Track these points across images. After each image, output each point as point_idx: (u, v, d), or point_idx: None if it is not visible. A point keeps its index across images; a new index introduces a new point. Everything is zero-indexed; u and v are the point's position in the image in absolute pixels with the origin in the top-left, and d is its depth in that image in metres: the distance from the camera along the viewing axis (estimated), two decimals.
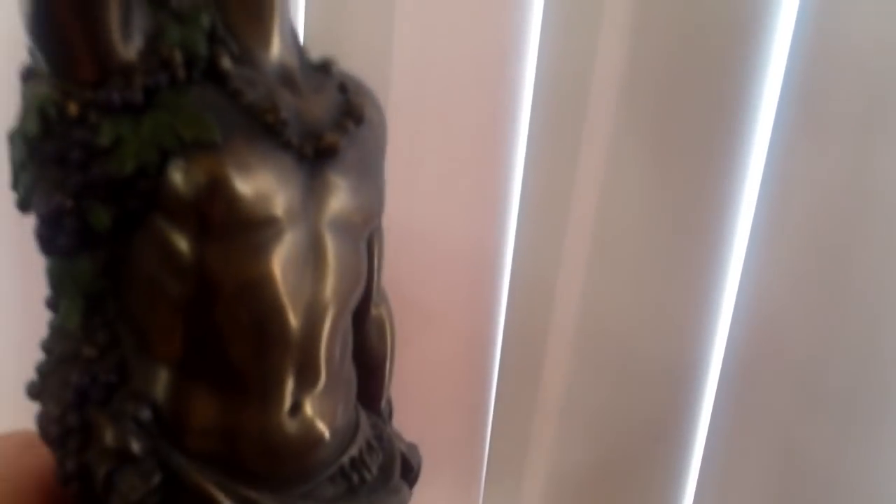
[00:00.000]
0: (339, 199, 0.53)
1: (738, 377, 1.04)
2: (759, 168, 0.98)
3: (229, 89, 0.51)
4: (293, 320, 0.52)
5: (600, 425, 1.09)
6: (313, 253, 0.53)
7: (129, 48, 0.49)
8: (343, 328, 0.58)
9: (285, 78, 0.54)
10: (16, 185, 0.51)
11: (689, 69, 0.95)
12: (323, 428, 0.56)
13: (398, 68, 1.03)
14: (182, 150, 0.49)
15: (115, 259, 0.52)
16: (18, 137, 0.51)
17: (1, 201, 0.52)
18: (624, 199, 1.01)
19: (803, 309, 0.99)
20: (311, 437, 0.55)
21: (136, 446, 0.51)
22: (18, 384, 0.55)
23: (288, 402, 0.53)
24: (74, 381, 0.53)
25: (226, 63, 0.51)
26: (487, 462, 1.18)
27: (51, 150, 0.50)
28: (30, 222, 0.51)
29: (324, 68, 0.58)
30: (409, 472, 0.68)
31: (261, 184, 0.50)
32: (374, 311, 0.66)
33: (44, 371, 0.55)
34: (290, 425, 0.54)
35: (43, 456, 0.53)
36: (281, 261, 0.51)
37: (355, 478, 0.59)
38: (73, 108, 0.49)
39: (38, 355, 0.55)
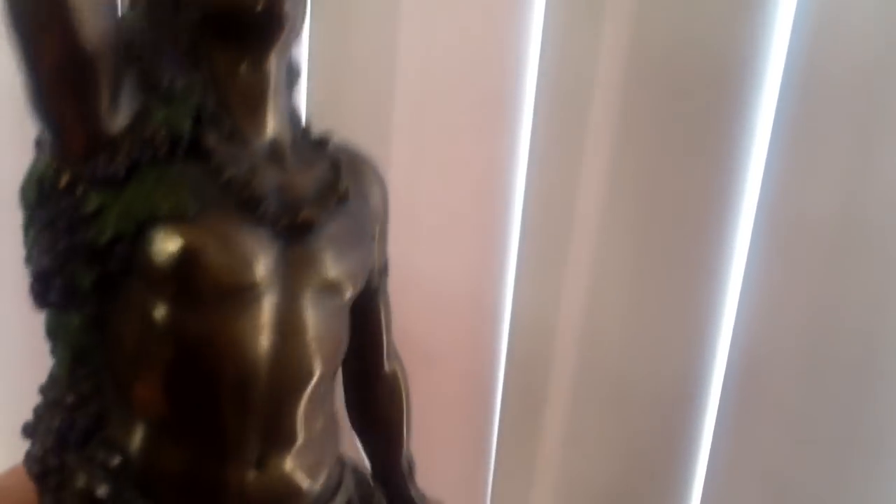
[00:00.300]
0: (319, 268, 0.56)
1: (739, 400, 1.04)
2: (758, 181, 0.98)
3: (211, 166, 0.55)
4: (266, 383, 0.55)
5: (603, 460, 1.09)
6: (291, 319, 0.55)
7: (117, 126, 0.53)
8: (325, 390, 0.60)
9: (274, 154, 0.57)
10: (24, 243, 0.57)
11: (686, 86, 0.96)
12: (300, 481, 0.58)
13: (397, 124, 1.04)
14: (158, 222, 0.52)
15: (101, 317, 0.56)
16: (22, 203, 0.56)
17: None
18: (621, 235, 1.01)
19: (803, 329, 0.98)
20: (287, 491, 0.58)
21: (101, 490, 0.55)
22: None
23: (255, 457, 0.56)
24: (56, 426, 0.56)
25: (210, 141, 0.55)
26: (491, 499, 1.18)
27: (44, 217, 0.54)
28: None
29: (321, 144, 0.62)
30: None
31: (234, 254, 0.54)
32: (386, 369, 0.69)
33: (37, 413, 0.59)
34: (261, 480, 0.56)
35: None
36: (256, 327, 0.54)
37: None
38: (63, 180, 0.53)
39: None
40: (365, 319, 0.68)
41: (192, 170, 0.54)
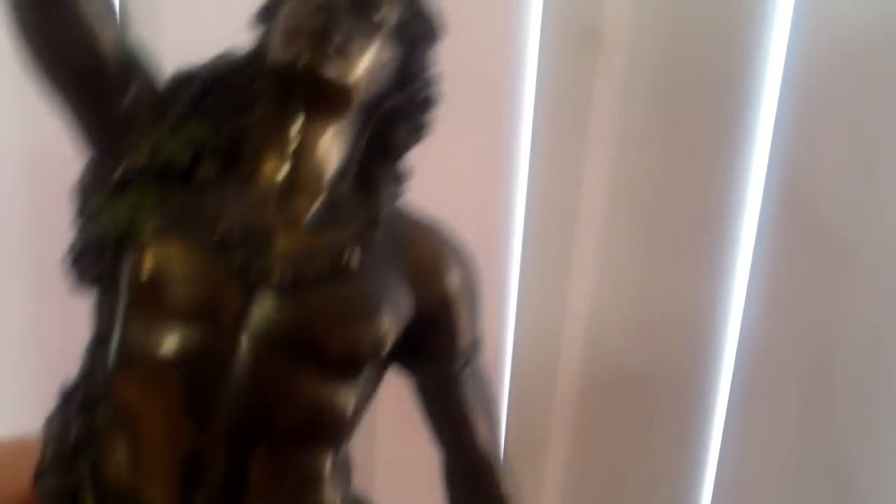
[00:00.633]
0: (276, 325, 0.54)
1: (747, 397, 1.03)
2: (762, 177, 0.97)
3: (195, 195, 0.56)
4: (175, 411, 0.53)
5: (611, 460, 1.08)
6: (225, 362, 0.53)
7: (123, 144, 0.56)
8: (296, 465, 0.56)
9: (279, 208, 0.57)
10: None
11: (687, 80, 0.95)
12: None
13: None
14: (131, 237, 0.55)
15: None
16: None
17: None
18: (625, 235, 1.01)
19: (809, 327, 0.98)
20: None
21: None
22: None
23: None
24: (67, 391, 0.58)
25: (203, 173, 0.57)
26: None
27: (76, 212, 0.58)
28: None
29: (375, 221, 0.58)
30: None
31: (179, 282, 0.54)
32: (498, 489, 0.64)
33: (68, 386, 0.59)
34: None
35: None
36: (175, 353, 0.53)
37: None
38: (83, 182, 0.58)
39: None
40: (443, 415, 0.64)
41: (178, 194, 0.56)
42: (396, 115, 0.62)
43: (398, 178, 0.64)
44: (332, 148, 0.59)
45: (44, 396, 0.59)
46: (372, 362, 0.57)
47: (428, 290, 0.59)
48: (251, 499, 0.54)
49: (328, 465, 0.57)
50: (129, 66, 0.57)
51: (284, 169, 0.58)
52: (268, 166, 0.58)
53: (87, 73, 0.56)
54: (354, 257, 0.56)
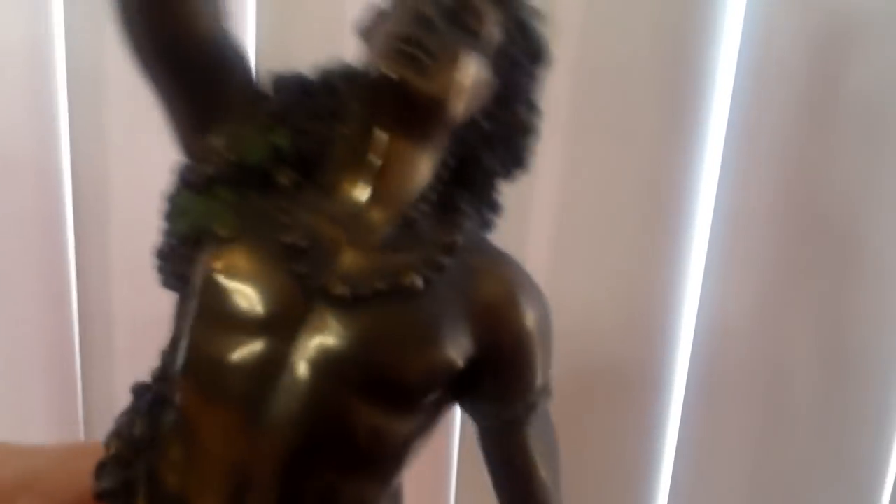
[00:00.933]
0: (334, 343, 0.52)
1: (704, 387, 1.03)
2: (716, 170, 0.98)
3: (272, 200, 0.56)
4: (240, 432, 0.52)
5: (569, 453, 1.05)
6: (279, 375, 0.52)
7: (210, 143, 0.56)
8: (347, 492, 0.54)
9: (352, 222, 0.55)
10: None
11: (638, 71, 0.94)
12: None
13: None
14: (207, 237, 0.55)
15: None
16: None
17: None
18: (577, 235, 1.01)
19: (767, 309, 0.99)
20: None
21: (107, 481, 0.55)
22: None
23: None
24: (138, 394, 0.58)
25: (282, 179, 0.57)
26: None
27: (164, 212, 0.58)
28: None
29: (450, 247, 0.57)
30: None
31: (242, 289, 0.53)
32: None
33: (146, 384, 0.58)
34: None
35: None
36: (235, 362, 0.52)
37: None
38: (174, 181, 0.58)
39: None
40: (502, 462, 0.62)
41: (256, 199, 0.56)
42: (489, 140, 0.61)
43: (487, 208, 0.63)
44: (417, 167, 0.57)
45: None
46: (429, 392, 0.55)
47: (495, 327, 0.57)
48: None
49: (379, 494, 0.56)
50: (227, 60, 0.57)
51: (364, 183, 0.57)
52: (348, 179, 0.57)
53: (185, 64, 0.55)
54: (416, 281, 0.54)
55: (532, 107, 0.62)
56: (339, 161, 0.57)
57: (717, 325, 1.01)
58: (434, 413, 0.57)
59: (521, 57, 0.60)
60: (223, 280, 0.53)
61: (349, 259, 0.54)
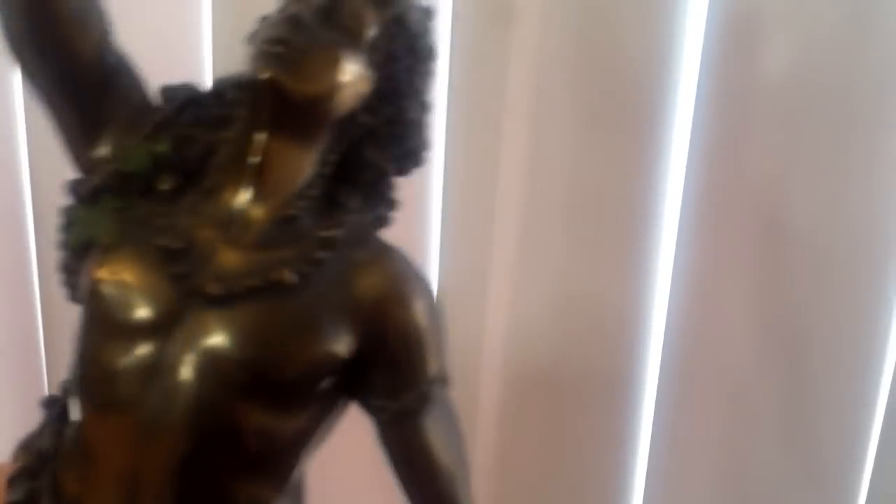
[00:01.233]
0: (216, 340, 0.53)
1: (675, 385, 1.02)
2: (683, 164, 0.96)
3: (154, 207, 0.57)
4: (132, 432, 0.53)
5: (538, 459, 1.07)
6: (164, 378, 0.53)
7: (97, 154, 0.58)
8: (240, 493, 0.55)
9: (231, 222, 0.56)
10: None
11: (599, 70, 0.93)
12: None
13: None
14: (93, 247, 0.57)
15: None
16: None
17: None
18: (545, 231, 0.99)
19: (737, 304, 0.98)
20: None
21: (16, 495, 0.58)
22: None
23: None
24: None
25: (163, 185, 0.58)
26: None
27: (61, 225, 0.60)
28: None
29: (328, 242, 0.57)
30: None
31: (123, 295, 0.54)
32: None
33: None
34: None
35: None
36: (122, 365, 0.53)
37: None
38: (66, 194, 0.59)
39: None
40: (404, 453, 0.61)
41: (143, 208, 0.57)
42: (373, 135, 0.61)
43: (379, 204, 0.63)
44: (296, 164, 0.58)
45: None
46: (313, 387, 0.56)
47: (379, 320, 0.57)
48: None
49: (276, 492, 0.57)
50: (112, 76, 0.58)
51: (246, 184, 0.57)
52: (230, 181, 0.58)
53: (69, 75, 0.57)
54: (289, 276, 0.55)
55: (416, 101, 0.62)
56: (222, 164, 0.58)
57: (686, 317, 1.00)
58: (325, 409, 0.58)
59: (399, 52, 0.59)
60: (105, 288, 0.55)
61: (225, 258, 0.56)
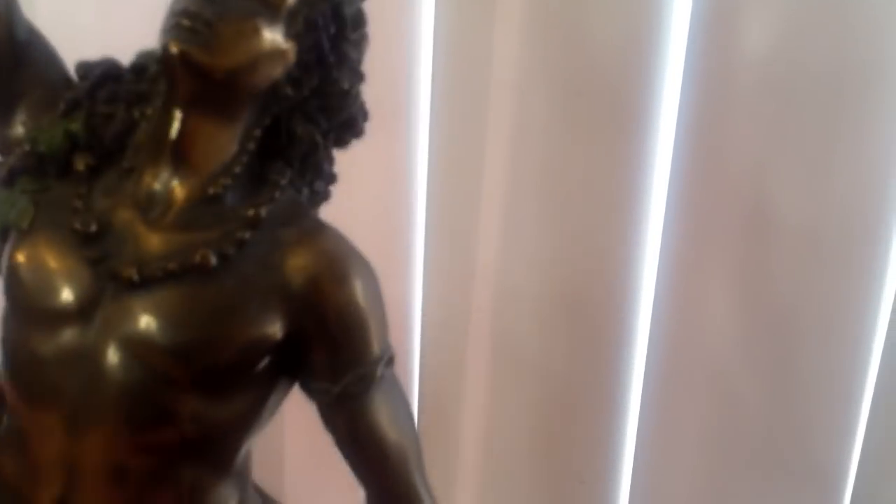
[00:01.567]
0: (135, 325, 0.52)
1: (661, 385, 1.03)
2: (671, 139, 0.96)
3: (72, 188, 0.55)
4: (58, 418, 0.53)
5: (525, 456, 1.07)
6: (91, 364, 0.52)
7: (12, 135, 0.57)
8: (180, 478, 0.55)
9: (152, 204, 0.54)
10: None
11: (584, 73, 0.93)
12: None
13: None
14: (10, 230, 0.55)
15: None
16: None
17: None
18: (527, 230, 0.99)
19: (722, 290, 0.99)
20: None
21: None
22: None
23: (57, 493, 0.54)
24: None
25: (79, 165, 0.56)
26: None
27: None
28: None
29: (252, 221, 0.55)
30: None
31: (44, 277, 0.53)
32: None
33: None
34: None
35: None
36: (46, 352, 0.53)
37: None
38: None
39: None
40: (351, 434, 0.58)
41: (59, 190, 0.56)
42: (300, 108, 0.58)
43: (316, 178, 0.61)
44: (217, 141, 0.55)
45: None
46: (244, 371, 0.54)
47: (315, 301, 0.55)
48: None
49: (219, 478, 0.56)
50: (22, 48, 0.57)
51: (165, 163, 0.55)
52: (150, 160, 0.55)
53: None
54: (209, 258, 0.52)
55: (346, 70, 0.58)
56: (140, 143, 0.56)
57: (672, 315, 1.01)
58: (265, 392, 0.56)
59: (323, 19, 0.56)
60: (23, 272, 0.54)
61: (144, 241, 0.54)
